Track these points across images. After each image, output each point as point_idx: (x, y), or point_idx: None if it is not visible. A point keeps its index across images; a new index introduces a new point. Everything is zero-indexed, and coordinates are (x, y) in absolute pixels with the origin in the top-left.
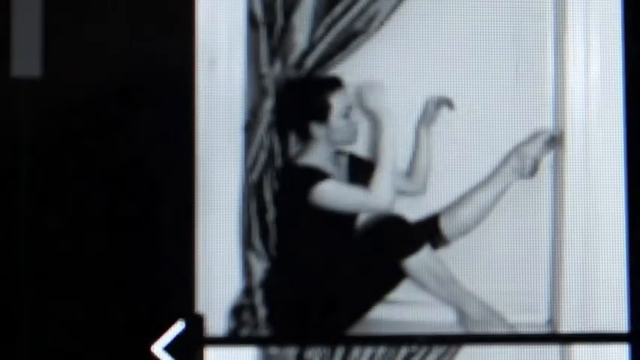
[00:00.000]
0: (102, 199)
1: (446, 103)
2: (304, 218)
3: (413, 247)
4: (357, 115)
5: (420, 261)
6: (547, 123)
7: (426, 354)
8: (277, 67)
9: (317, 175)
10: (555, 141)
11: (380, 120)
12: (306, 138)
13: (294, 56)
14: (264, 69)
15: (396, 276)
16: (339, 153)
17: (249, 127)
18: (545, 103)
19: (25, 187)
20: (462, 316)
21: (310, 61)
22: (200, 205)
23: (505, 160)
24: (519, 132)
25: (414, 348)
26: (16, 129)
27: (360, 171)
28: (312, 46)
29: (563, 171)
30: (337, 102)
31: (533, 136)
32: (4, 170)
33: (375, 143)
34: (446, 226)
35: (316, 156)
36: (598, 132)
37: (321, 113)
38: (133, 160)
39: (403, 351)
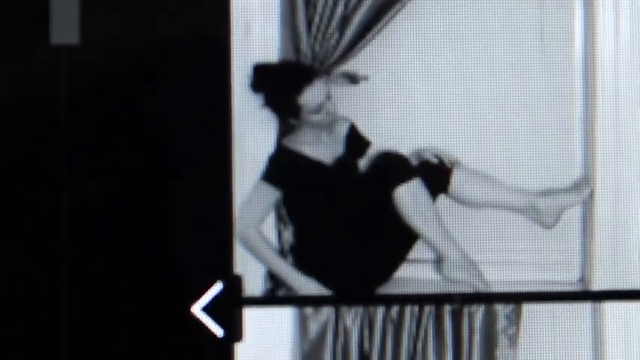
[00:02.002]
0: (138, 163)
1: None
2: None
3: (404, 176)
4: (333, 106)
5: (408, 190)
6: (576, 87)
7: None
8: (314, 32)
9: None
10: (591, 195)
11: None
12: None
13: (332, 23)
14: (301, 35)
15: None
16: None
17: None
18: (574, 71)
19: (65, 152)
20: (440, 258)
21: (350, 31)
22: (237, 170)
23: (533, 199)
24: (546, 108)
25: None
26: (56, 96)
27: (357, 146)
28: (349, 13)
29: (595, 128)
30: (306, 100)
31: (570, 188)
32: (44, 137)
33: None
34: (456, 180)
35: (302, 138)
36: (628, 88)
37: (292, 112)
38: (169, 125)
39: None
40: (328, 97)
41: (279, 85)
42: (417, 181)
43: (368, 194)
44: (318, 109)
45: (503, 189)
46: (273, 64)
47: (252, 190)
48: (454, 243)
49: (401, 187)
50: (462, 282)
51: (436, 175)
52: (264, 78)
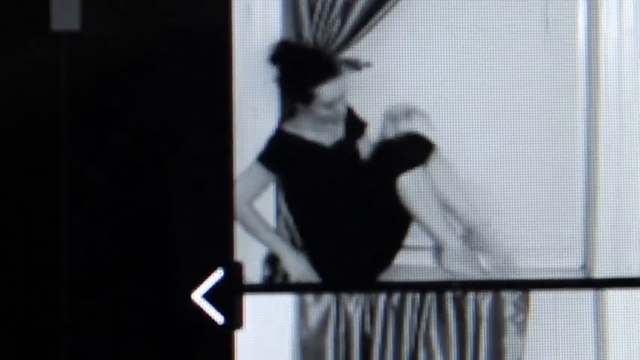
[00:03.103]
0: (140, 151)
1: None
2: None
3: (408, 165)
4: (343, 106)
5: (413, 179)
6: (579, 73)
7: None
8: (316, 18)
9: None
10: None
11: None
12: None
13: (335, 9)
14: (303, 21)
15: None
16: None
17: None
18: (577, 53)
19: (66, 139)
20: (439, 247)
21: (353, 17)
22: (237, 155)
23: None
24: (550, 98)
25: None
26: (56, 82)
27: (354, 127)
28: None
29: (597, 117)
30: (324, 93)
31: None
32: (44, 123)
33: None
34: (433, 164)
35: (302, 123)
36: (632, 80)
37: (305, 99)
38: (170, 111)
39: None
40: (342, 96)
41: (305, 70)
42: (421, 169)
43: (370, 180)
44: (330, 105)
45: (445, 217)
46: (305, 47)
47: (246, 169)
48: (455, 233)
49: (405, 175)
50: (459, 273)
51: (418, 147)
52: (291, 57)
